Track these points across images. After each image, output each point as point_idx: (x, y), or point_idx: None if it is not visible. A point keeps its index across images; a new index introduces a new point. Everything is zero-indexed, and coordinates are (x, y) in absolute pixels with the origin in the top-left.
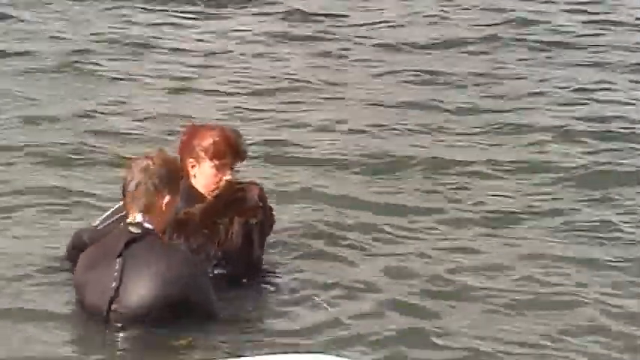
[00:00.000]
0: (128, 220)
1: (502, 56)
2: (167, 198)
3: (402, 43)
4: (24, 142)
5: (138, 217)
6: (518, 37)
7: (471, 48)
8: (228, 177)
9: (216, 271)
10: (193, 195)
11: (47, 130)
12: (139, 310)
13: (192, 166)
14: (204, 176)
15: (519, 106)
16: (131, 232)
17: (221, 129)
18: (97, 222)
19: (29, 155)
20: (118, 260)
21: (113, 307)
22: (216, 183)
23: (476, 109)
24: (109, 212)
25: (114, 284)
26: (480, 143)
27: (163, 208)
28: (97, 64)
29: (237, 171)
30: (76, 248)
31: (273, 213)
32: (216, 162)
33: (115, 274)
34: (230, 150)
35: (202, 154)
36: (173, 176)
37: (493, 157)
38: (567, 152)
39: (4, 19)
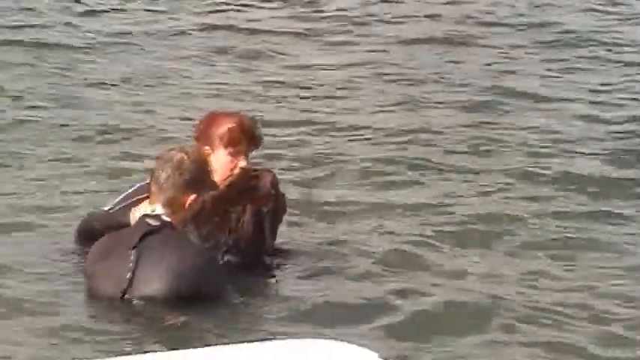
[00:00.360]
0: (146, 211)
1: (513, 52)
2: (192, 196)
3: (415, 39)
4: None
5: (158, 209)
6: (529, 33)
7: (483, 44)
8: (242, 164)
9: (226, 258)
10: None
11: (51, 125)
12: (151, 301)
13: (208, 154)
14: (219, 164)
15: (532, 103)
16: (148, 224)
17: (237, 116)
18: (109, 206)
19: (29, 150)
20: (133, 251)
21: (126, 297)
22: (230, 170)
23: (489, 107)
24: (120, 197)
25: (128, 275)
26: (493, 145)
27: (186, 205)
28: (102, 60)
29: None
30: (84, 232)
31: (286, 201)
32: (231, 149)
33: (130, 264)
34: (245, 137)
35: (217, 141)
36: (204, 175)
37: (508, 162)
38: (582, 154)
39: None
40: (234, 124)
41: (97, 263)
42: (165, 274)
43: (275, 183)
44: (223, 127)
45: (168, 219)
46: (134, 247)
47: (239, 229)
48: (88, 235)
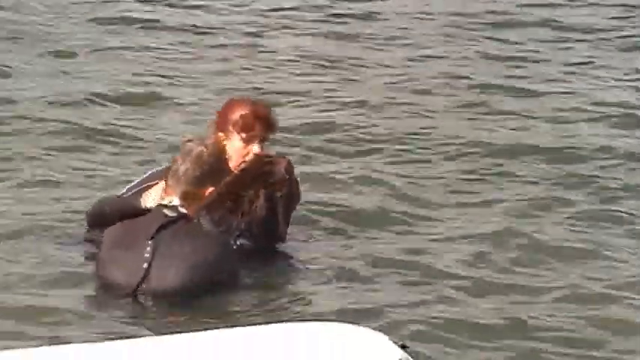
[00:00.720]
0: (164, 202)
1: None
2: (210, 189)
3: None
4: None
5: (175, 201)
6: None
7: (498, 28)
8: (255, 150)
9: (239, 242)
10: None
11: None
12: (165, 293)
13: (222, 140)
14: (233, 150)
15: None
16: (165, 215)
17: (251, 102)
18: (123, 191)
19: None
20: (149, 242)
21: (141, 287)
22: (243, 156)
23: (504, 90)
24: (133, 183)
25: (145, 265)
26: (508, 126)
27: (204, 197)
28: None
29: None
30: (95, 216)
31: (300, 187)
32: (244, 135)
33: (147, 255)
34: (258, 122)
35: (231, 127)
36: (222, 168)
37: (521, 141)
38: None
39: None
40: (247, 110)
41: (111, 251)
42: (181, 268)
43: (290, 169)
44: (237, 113)
45: (184, 210)
46: (151, 239)
47: (252, 214)
48: (98, 219)
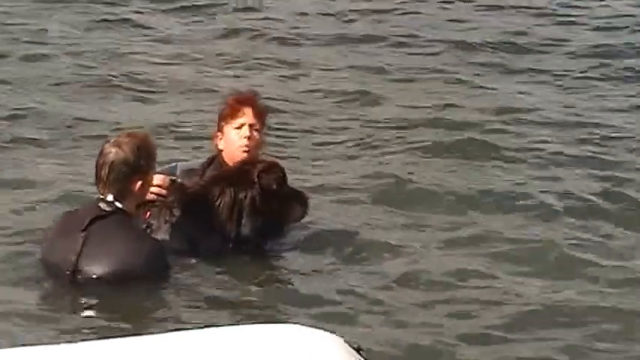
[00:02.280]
0: (100, 196)
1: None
2: (139, 183)
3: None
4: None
5: (109, 197)
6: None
7: (487, 54)
8: (246, 133)
9: (203, 241)
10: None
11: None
12: (96, 282)
13: (220, 139)
14: (227, 143)
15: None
16: (100, 209)
17: (236, 93)
18: None
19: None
20: (81, 235)
21: (72, 278)
22: (238, 147)
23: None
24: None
25: (74, 258)
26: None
27: (135, 191)
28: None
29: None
30: None
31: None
32: (232, 122)
33: (77, 247)
34: (241, 107)
35: (222, 122)
36: (143, 161)
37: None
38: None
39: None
40: (230, 100)
41: (52, 240)
42: (109, 260)
43: (264, 173)
44: (223, 107)
45: (120, 205)
46: (83, 230)
47: (216, 212)
48: None
